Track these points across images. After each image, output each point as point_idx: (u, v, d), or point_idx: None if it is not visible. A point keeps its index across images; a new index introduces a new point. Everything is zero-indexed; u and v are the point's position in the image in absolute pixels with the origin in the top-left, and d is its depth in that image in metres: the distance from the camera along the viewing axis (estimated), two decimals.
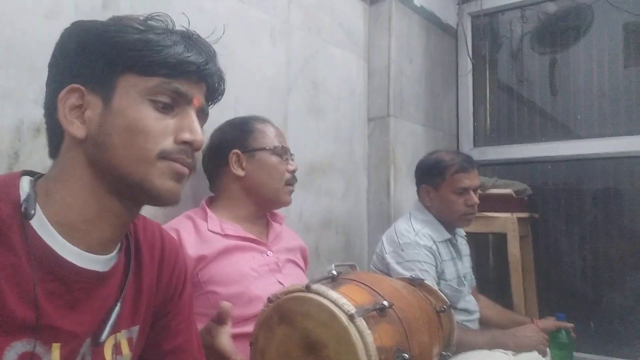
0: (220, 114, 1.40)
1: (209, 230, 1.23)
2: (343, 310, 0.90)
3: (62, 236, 0.65)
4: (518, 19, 2.70)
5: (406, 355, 0.93)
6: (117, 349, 0.73)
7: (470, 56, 2.69)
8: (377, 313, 0.95)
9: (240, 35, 1.58)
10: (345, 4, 2.11)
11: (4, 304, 0.60)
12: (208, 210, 1.29)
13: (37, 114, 1.05)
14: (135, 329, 0.77)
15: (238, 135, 1.35)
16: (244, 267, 1.22)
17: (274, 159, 1.35)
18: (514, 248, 2.23)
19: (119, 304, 0.72)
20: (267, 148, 1.34)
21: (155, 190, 0.67)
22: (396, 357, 0.93)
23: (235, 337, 1.03)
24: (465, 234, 1.98)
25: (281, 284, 1.23)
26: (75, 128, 0.67)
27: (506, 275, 2.26)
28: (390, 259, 1.71)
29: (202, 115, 0.74)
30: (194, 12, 1.39)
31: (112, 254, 0.72)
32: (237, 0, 1.58)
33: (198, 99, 0.72)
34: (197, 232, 1.22)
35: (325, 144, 1.96)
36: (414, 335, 1.00)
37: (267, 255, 1.30)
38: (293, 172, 1.39)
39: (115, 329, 0.72)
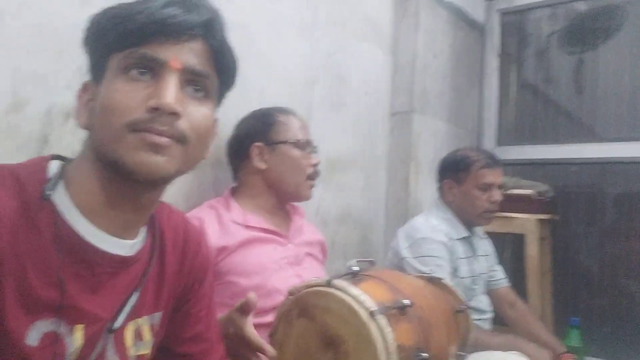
0: (246, 105, 1.40)
1: (232, 220, 1.23)
2: (364, 307, 0.90)
3: (85, 219, 0.66)
4: (547, 17, 2.66)
5: (425, 355, 0.92)
6: (138, 334, 0.74)
7: (498, 53, 2.65)
8: (398, 311, 0.95)
9: (266, 28, 1.58)
10: None
11: (28, 283, 0.61)
12: (231, 200, 1.30)
13: (68, 98, 1.07)
14: (158, 315, 0.78)
15: (260, 128, 1.34)
16: (264, 258, 1.22)
17: (297, 153, 1.33)
18: (532, 250, 2.21)
19: (135, 293, 0.71)
20: (290, 141, 1.33)
21: (128, 166, 0.62)
22: (415, 356, 0.92)
23: (254, 327, 1.04)
24: (486, 235, 1.97)
25: (300, 277, 1.24)
26: (81, 119, 0.68)
27: (522, 276, 2.23)
28: (406, 253, 1.71)
29: (196, 78, 0.67)
30: (220, 3, 1.38)
31: (137, 240, 0.72)
32: None
33: (177, 60, 0.64)
34: (220, 222, 1.22)
35: (347, 138, 1.95)
36: (432, 335, 1.00)
37: (288, 247, 1.30)
38: (315, 165, 1.37)
39: (135, 315, 0.73)
